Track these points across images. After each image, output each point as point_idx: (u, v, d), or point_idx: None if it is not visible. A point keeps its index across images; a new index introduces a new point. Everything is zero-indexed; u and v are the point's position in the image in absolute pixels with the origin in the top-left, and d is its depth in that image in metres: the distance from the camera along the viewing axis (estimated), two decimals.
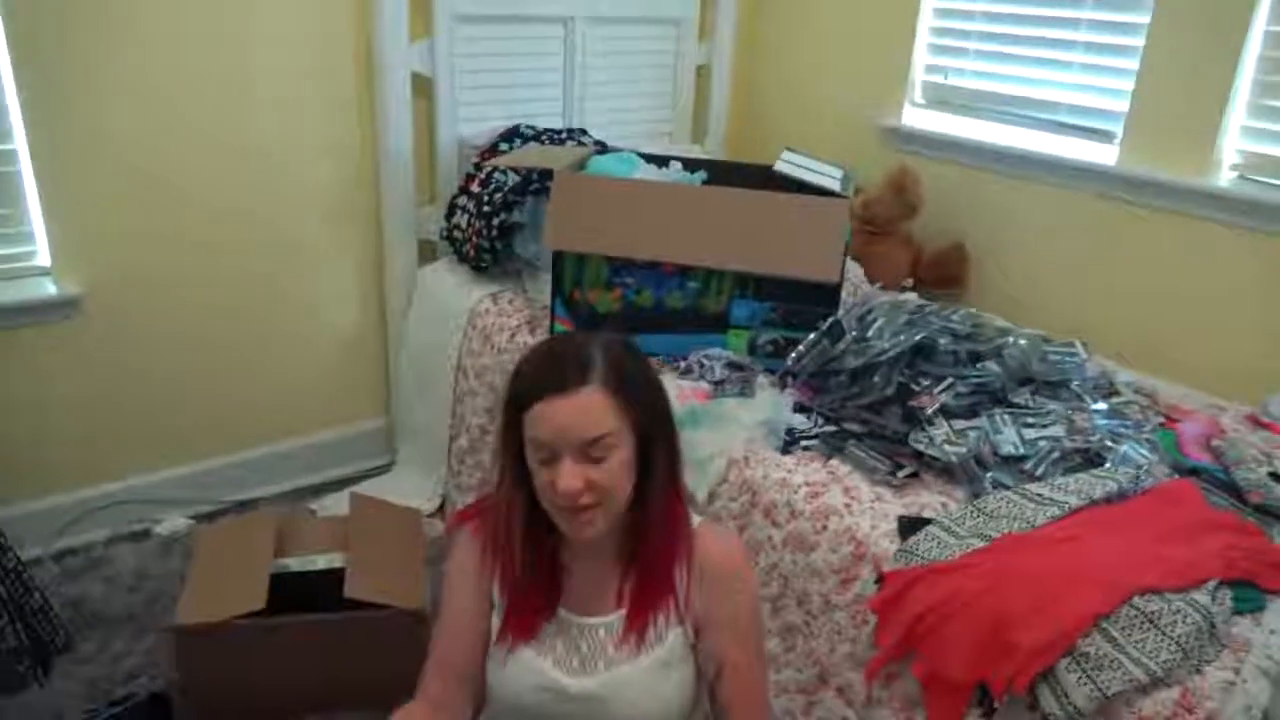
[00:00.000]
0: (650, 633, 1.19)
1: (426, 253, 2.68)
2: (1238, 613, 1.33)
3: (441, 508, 2.52)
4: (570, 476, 1.08)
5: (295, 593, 1.84)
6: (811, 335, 1.91)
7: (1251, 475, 1.61)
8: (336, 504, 2.52)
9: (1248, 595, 1.35)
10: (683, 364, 2.01)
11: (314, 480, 2.67)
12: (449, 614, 1.29)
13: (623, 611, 1.19)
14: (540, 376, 1.11)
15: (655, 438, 1.16)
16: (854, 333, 1.88)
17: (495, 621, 1.23)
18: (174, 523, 2.42)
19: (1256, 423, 1.90)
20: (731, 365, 1.98)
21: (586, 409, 1.08)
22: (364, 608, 1.79)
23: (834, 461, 1.71)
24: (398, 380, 2.70)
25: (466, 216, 2.45)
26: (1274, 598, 1.37)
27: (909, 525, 1.53)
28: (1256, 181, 2.08)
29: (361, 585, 1.81)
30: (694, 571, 1.20)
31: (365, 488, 2.50)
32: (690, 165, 2.24)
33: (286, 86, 2.36)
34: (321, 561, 1.95)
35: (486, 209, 2.38)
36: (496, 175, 2.43)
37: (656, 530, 1.18)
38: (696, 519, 1.25)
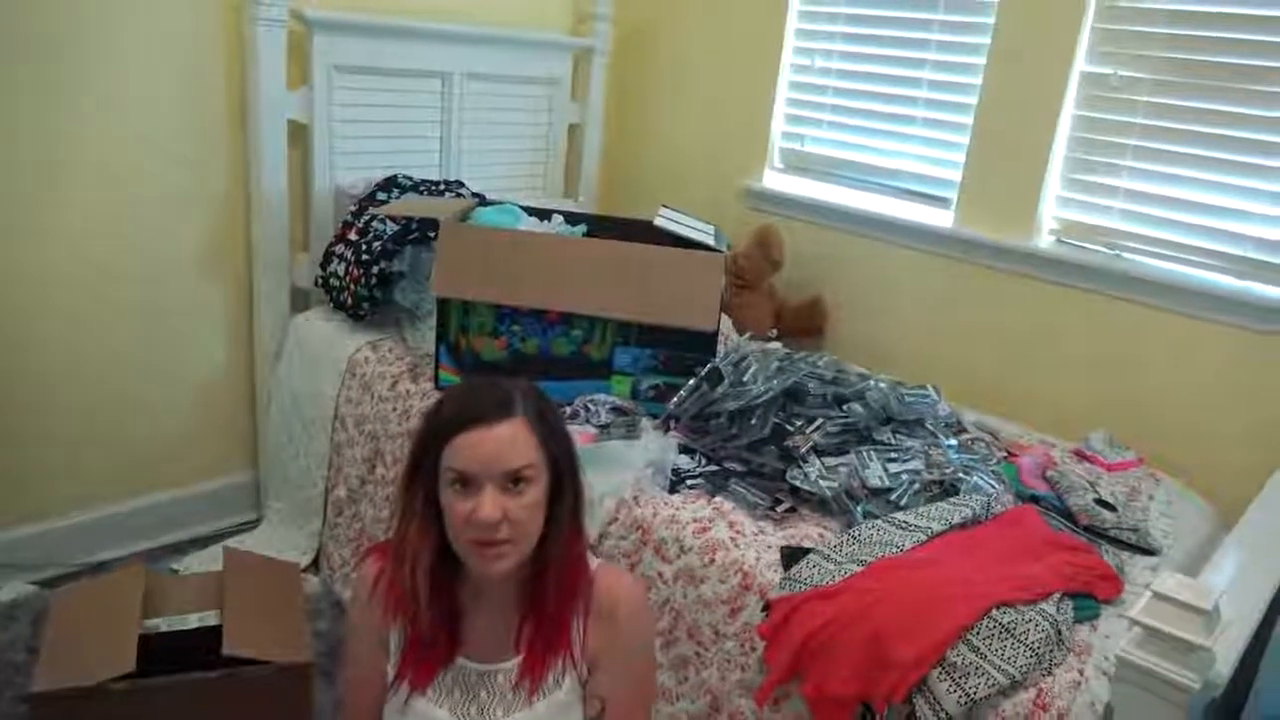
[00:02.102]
0: (548, 678, 1.22)
1: (299, 301, 2.64)
2: (1078, 621, 1.50)
3: (315, 561, 2.45)
4: (491, 506, 1.10)
5: (166, 655, 1.74)
6: (692, 381, 2.01)
7: (1080, 501, 1.81)
8: (201, 563, 2.41)
9: (1086, 605, 1.53)
10: (569, 409, 2.06)
11: (175, 538, 2.54)
12: (353, 664, 1.31)
13: (519, 658, 1.22)
14: (465, 408, 1.14)
15: (565, 480, 1.20)
16: (731, 378, 1.99)
17: (391, 670, 1.23)
18: (16, 588, 2.24)
19: (1081, 456, 2.14)
20: (616, 410, 2.05)
21: (511, 439, 1.12)
22: (245, 665, 1.72)
23: (718, 499, 1.81)
24: (268, 432, 2.62)
25: (344, 264, 2.44)
26: (1107, 606, 1.55)
27: (791, 555, 1.63)
28: (1071, 244, 2.36)
29: (241, 641, 1.74)
30: (591, 613, 1.23)
31: (234, 544, 2.40)
32: (572, 219, 2.33)
33: (155, 130, 2.30)
34: (194, 620, 1.85)
35: (365, 257, 2.38)
36: (375, 224, 2.44)
37: (556, 576, 1.20)
38: (595, 561, 1.28)
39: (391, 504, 1.32)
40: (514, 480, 1.12)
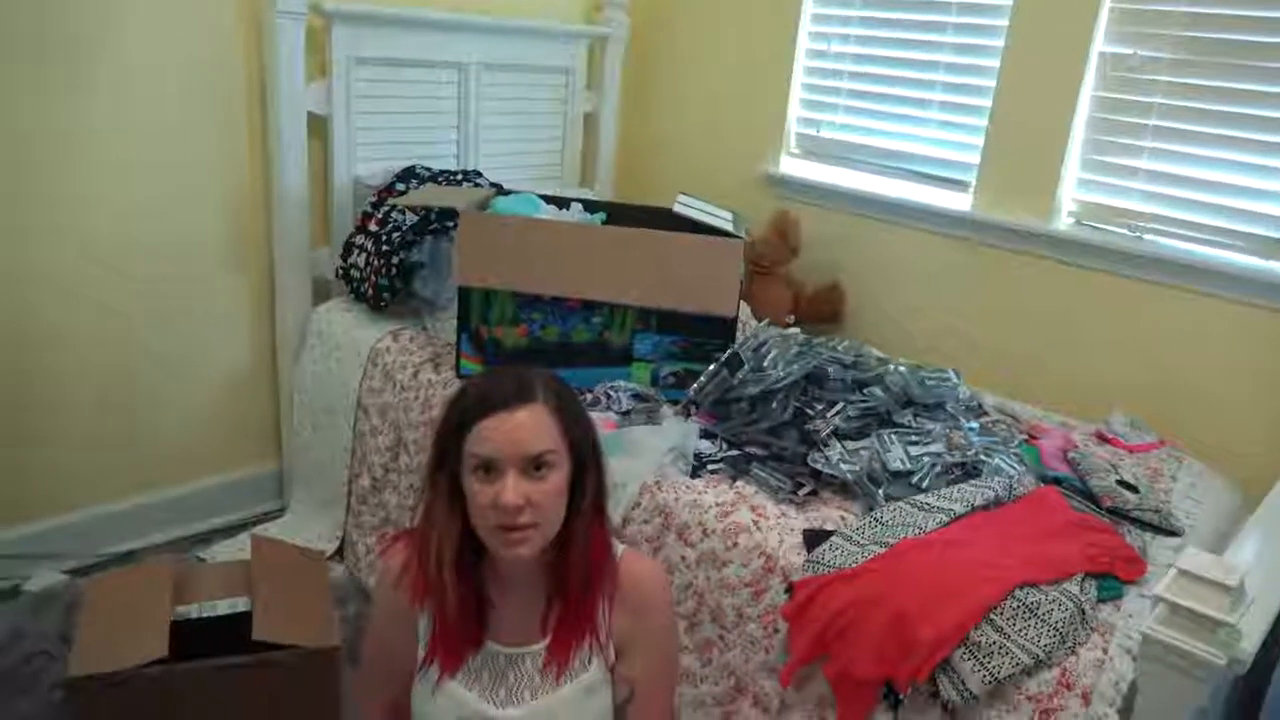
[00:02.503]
0: (575, 661, 1.23)
1: (320, 292, 2.66)
2: (1101, 600, 1.50)
3: (340, 550, 2.47)
4: (514, 491, 1.11)
5: (198, 641, 1.77)
6: (712, 366, 2.02)
7: (1103, 483, 1.81)
8: (228, 551, 2.44)
9: (1109, 585, 1.53)
10: (589, 396, 2.08)
11: (201, 528, 2.57)
12: (378, 649, 1.32)
13: (546, 641, 1.23)
14: (486, 395, 1.15)
15: (587, 466, 1.20)
16: (751, 363, 2.00)
17: (420, 653, 1.24)
18: (46, 578, 2.27)
19: (1102, 438, 2.13)
20: (637, 396, 2.06)
21: (533, 424, 1.13)
22: (274, 650, 1.75)
23: (740, 483, 1.82)
24: (291, 422, 2.64)
25: (364, 255, 2.46)
26: (1130, 586, 1.55)
27: (814, 538, 1.64)
28: (1091, 226, 2.35)
29: (271, 627, 1.77)
30: (617, 598, 1.24)
31: (261, 532, 2.43)
32: (591, 207, 2.34)
33: (175, 125, 2.32)
34: (224, 607, 1.88)
35: (385, 248, 2.40)
36: (394, 215, 2.45)
37: (581, 560, 1.20)
38: (620, 547, 1.29)
39: (415, 492, 1.31)
40: (536, 465, 1.14)
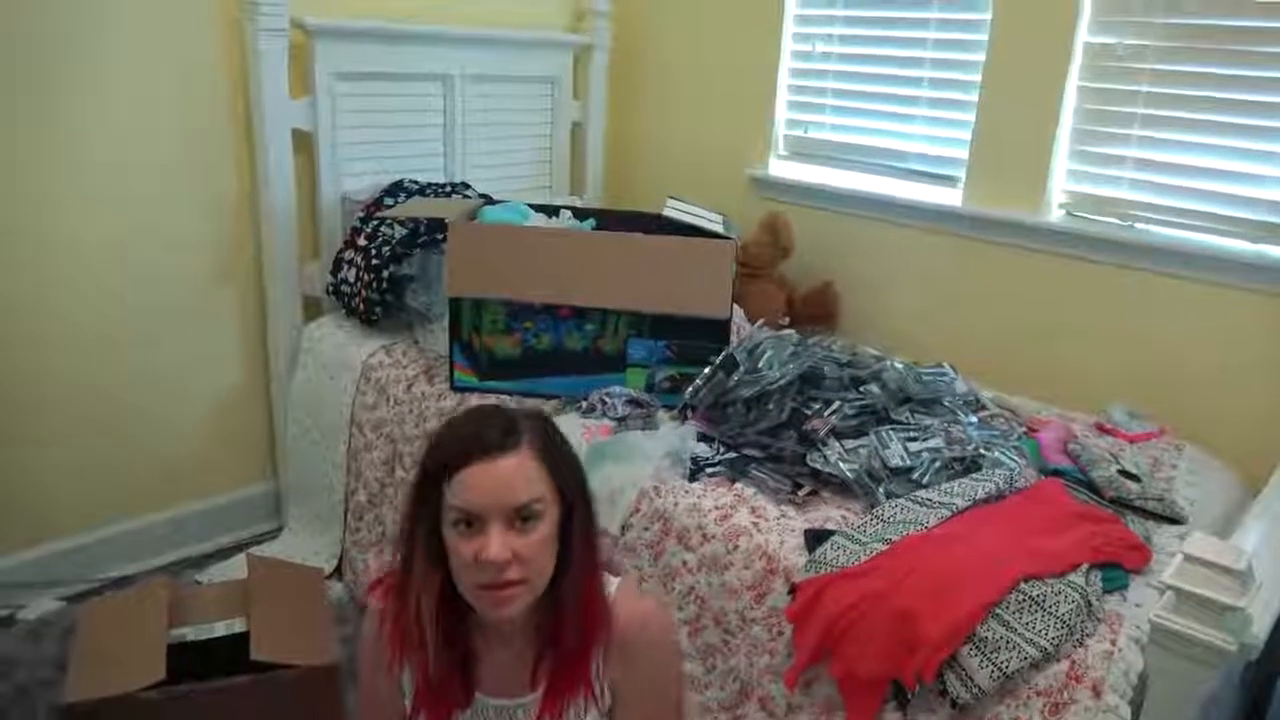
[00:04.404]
0: (569, 713, 1.15)
1: (311, 309, 2.65)
2: (1107, 591, 1.48)
3: (339, 567, 2.45)
4: (499, 546, 1.03)
5: (195, 663, 1.75)
6: (706, 369, 2.00)
7: (1104, 473, 1.80)
8: (224, 574, 2.41)
9: (1114, 575, 1.51)
10: (584, 403, 2.06)
11: (198, 550, 2.55)
12: (369, 698, 1.26)
13: (539, 693, 1.16)
14: (468, 440, 1.06)
15: (576, 513, 1.13)
16: (746, 365, 1.98)
17: (407, 706, 1.18)
18: (42, 605, 2.25)
19: (1102, 429, 2.12)
20: (632, 402, 2.05)
21: (518, 472, 1.06)
22: (272, 670, 1.73)
23: (739, 485, 1.80)
24: (285, 441, 2.62)
25: (354, 270, 2.44)
26: (1135, 576, 1.53)
27: (815, 538, 1.62)
28: (1082, 217, 2.35)
29: (268, 646, 1.75)
30: (613, 644, 1.16)
31: (258, 552, 2.41)
32: (580, 214, 2.33)
33: (158, 147, 2.31)
34: (221, 628, 1.86)
35: (375, 262, 2.39)
36: (383, 229, 2.44)
37: (573, 611, 1.12)
38: (614, 583, 1.21)
39: (392, 541, 1.17)
40: (522, 516, 1.06)
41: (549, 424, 1.14)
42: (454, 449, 1.07)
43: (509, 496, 1.05)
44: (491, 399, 2.13)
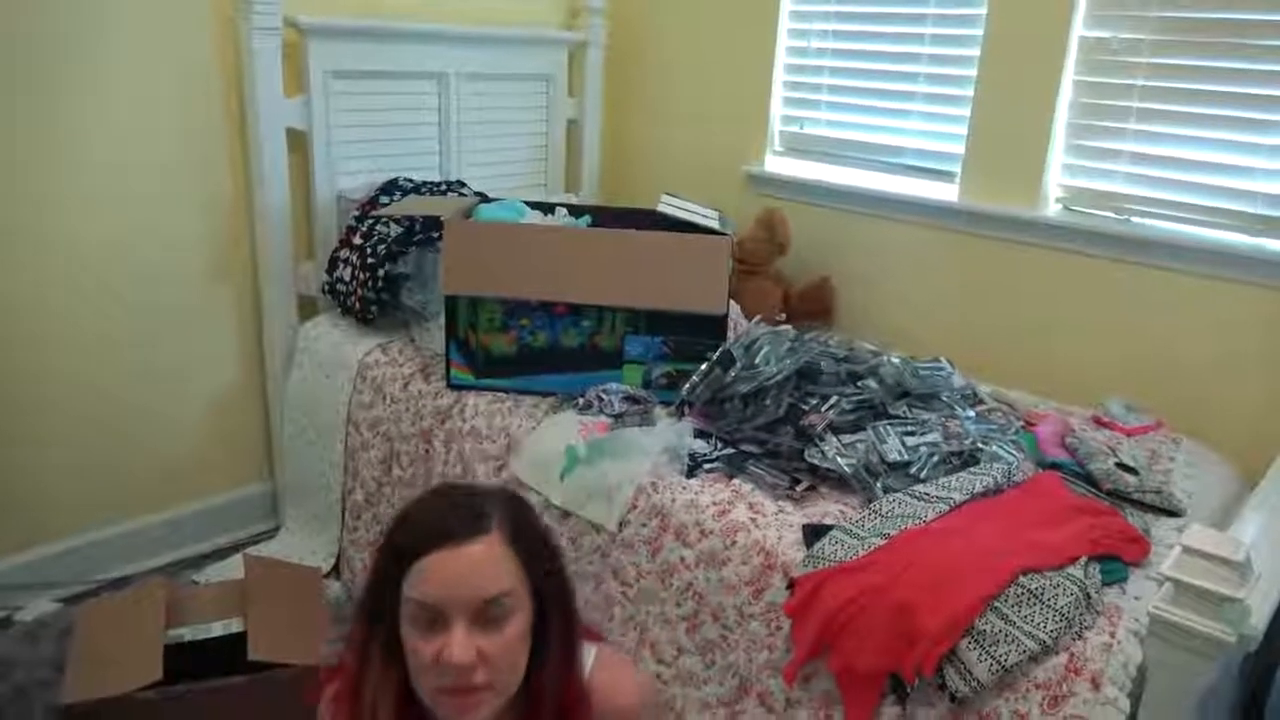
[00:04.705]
0: None
1: (306, 308, 2.64)
2: (1106, 584, 1.48)
3: (336, 567, 2.45)
4: (463, 647, 0.92)
5: (192, 664, 1.75)
6: (704, 365, 2.00)
7: (1102, 466, 1.80)
8: (221, 573, 2.41)
9: (1113, 568, 1.51)
10: (581, 400, 2.06)
11: (194, 551, 2.54)
12: None
13: None
14: (431, 524, 0.96)
15: (552, 605, 1.03)
16: (743, 361, 1.98)
17: None
18: (40, 607, 2.24)
19: (1099, 422, 2.12)
20: (629, 399, 2.05)
21: (485, 562, 0.95)
22: (269, 670, 1.73)
23: (736, 481, 1.80)
24: (282, 441, 2.62)
25: (350, 269, 2.44)
26: (1134, 569, 1.53)
27: (813, 533, 1.62)
28: (1078, 211, 2.35)
29: (265, 646, 1.75)
30: None
31: (255, 552, 2.41)
32: (575, 211, 2.32)
33: (155, 147, 2.30)
34: (218, 628, 1.86)
35: (370, 260, 2.38)
36: (379, 227, 2.43)
37: (550, 709, 1.02)
38: (589, 653, 1.11)
39: (345, 635, 1.05)
40: (490, 613, 0.95)
41: (521, 505, 1.05)
42: (413, 535, 0.96)
43: (475, 590, 0.93)
44: (490, 396, 2.13)
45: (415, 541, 0.95)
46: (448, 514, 0.97)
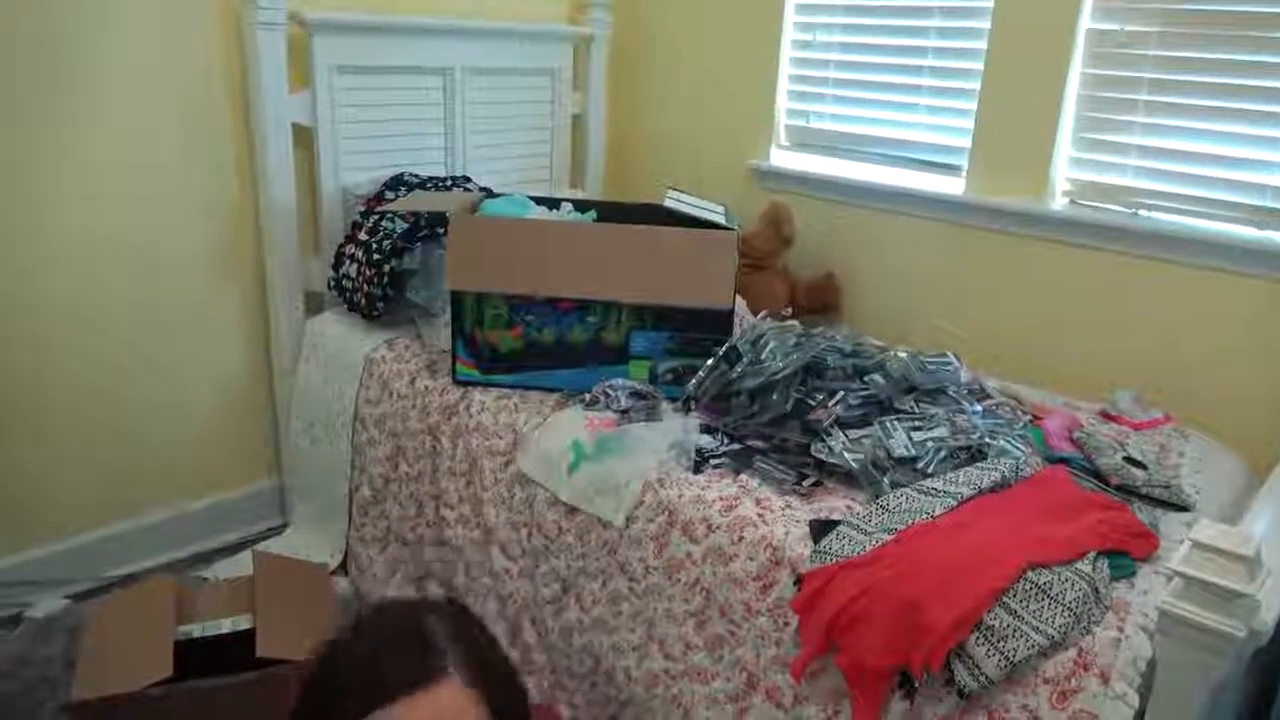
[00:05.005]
0: None
1: (313, 304, 2.64)
2: (1115, 578, 1.48)
3: (344, 563, 2.45)
4: None
5: (202, 660, 1.75)
6: (710, 360, 2.00)
7: (1110, 460, 1.79)
8: (230, 569, 2.42)
9: (1121, 563, 1.51)
10: (587, 396, 2.06)
11: (203, 547, 2.55)
12: None
13: None
14: (375, 676, 0.76)
15: None
16: (749, 356, 1.98)
17: None
18: (49, 604, 2.25)
19: (1107, 416, 2.12)
20: (635, 394, 2.04)
21: (448, 714, 0.76)
22: (278, 666, 1.73)
23: (743, 476, 1.80)
24: (289, 436, 2.62)
25: (356, 265, 2.44)
26: (1143, 564, 1.53)
27: (820, 528, 1.62)
28: (1086, 205, 2.34)
29: (274, 643, 1.75)
30: None
31: (263, 548, 2.41)
32: (581, 205, 2.32)
33: (159, 144, 2.30)
34: (227, 625, 1.87)
35: (377, 257, 2.38)
36: (385, 223, 2.43)
37: None
38: None
39: None
40: None
41: (471, 625, 0.84)
42: (358, 688, 0.75)
43: None
44: (496, 392, 2.13)
45: (359, 697, 0.74)
46: (396, 651, 0.77)
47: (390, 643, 0.79)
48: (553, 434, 1.97)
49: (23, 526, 2.28)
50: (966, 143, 2.50)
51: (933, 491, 1.64)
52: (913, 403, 1.93)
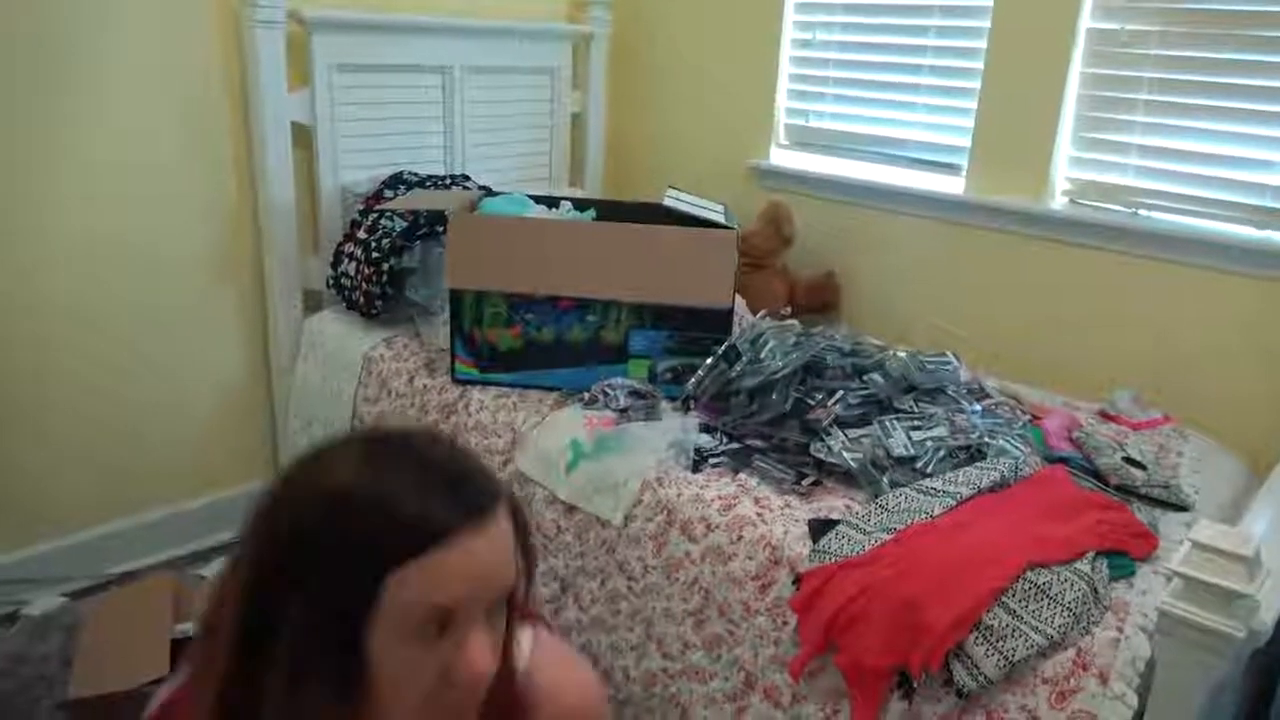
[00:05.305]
0: None
1: (311, 303, 2.64)
2: (1114, 578, 1.48)
3: None
4: (486, 652, 0.72)
5: None
6: (709, 360, 2.00)
7: (1109, 460, 1.79)
8: None
9: (1120, 563, 1.51)
10: (586, 395, 2.05)
11: (202, 545, 2.54)
12: None
13: None
14: (431, 508, 0.70)
15: (521, 586, 0.81)
16: (748, 355, 1.98)
17: None
18: (46, 602, 2.25)
19: (1106, 416, 2.11)
20: (634, 393, 2.04)
21: (505, 543, 0.75)
22: None
23: (742, 475, 1.80)
24: (288, 435, 2.62)
25: (355, 264, 2.43)
26: (1142, 564, 1.53)
27: (819, 527, 1.62)
28: (1085, 205, 2.33)
29: None
30: None
31: None
32: (580, 204, 2.32)
33: (158, 143, 2.30)
34: None
35: (375, 255, 2.38)
36: (384, 222, 2.43)
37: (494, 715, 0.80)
38: (526, 634, 0.88)
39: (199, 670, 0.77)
40: (499, 606, 0.76)
41: (481, 464, 0.80)
42: (413, 520, 0.69)
43: (500, 581, 0.74)
44: (495, 390, 2.13)
45: (416, 529, 0.69)
46: (452, 490, 0.72)
47: (457, 472, 0.74)
48: (551, 433, 1.96)
49: (22, 524, 2.28)
50: (966, 142, 2.50)
51: (932, 491, 1.64)
52: (912, 402, 1.93)
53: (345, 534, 0.69)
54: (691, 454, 1.85)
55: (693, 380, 2.00)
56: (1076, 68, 2.27)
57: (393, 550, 0.69)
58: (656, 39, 3.14)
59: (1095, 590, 1.41)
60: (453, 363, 2.17)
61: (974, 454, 1.77)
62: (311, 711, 0.70)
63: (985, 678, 1.33)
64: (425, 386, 2.22)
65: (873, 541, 1.53)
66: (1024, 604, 1.38)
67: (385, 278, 2.36)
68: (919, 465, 1.74)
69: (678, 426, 1.92)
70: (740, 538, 1.66)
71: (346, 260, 2.47)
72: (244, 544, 0.73)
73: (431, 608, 0.70)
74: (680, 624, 1.72)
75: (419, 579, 0.69)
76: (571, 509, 1.88)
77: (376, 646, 0.70)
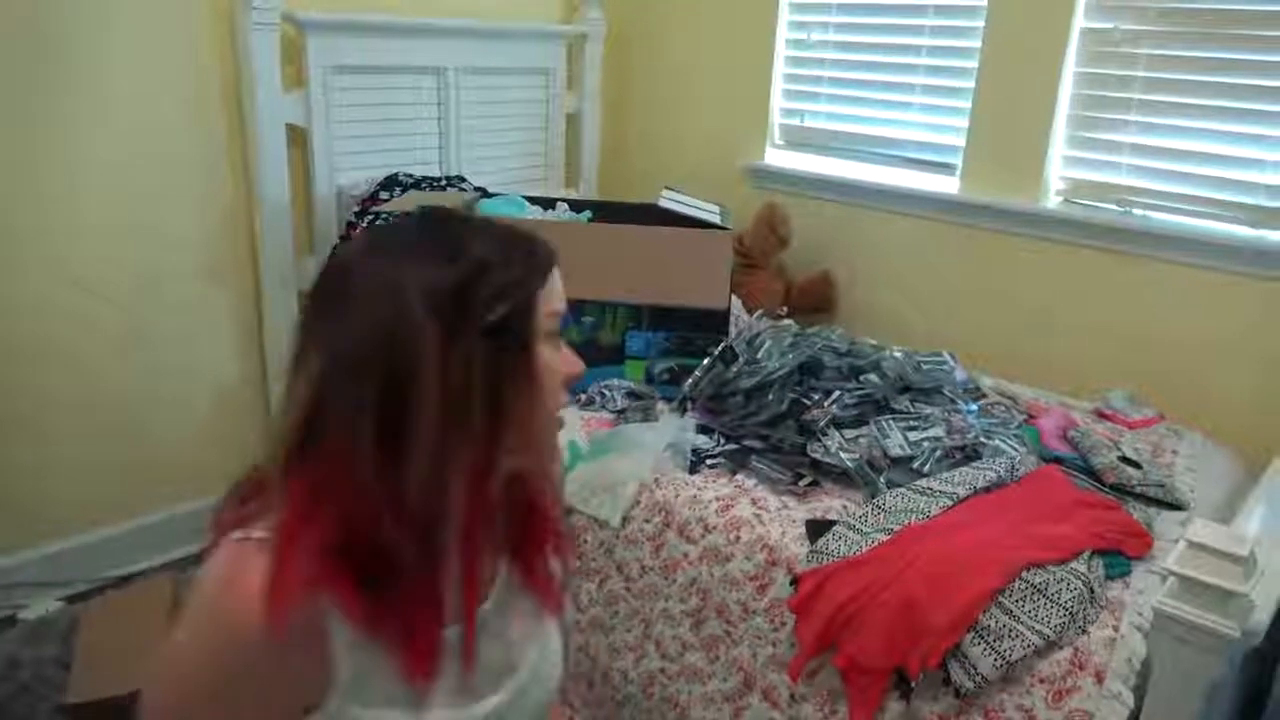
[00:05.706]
0: (547, 572, 0.98)
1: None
2: (1110, 578, 1.48)
3: None
4: (573, 355, 0.94)
5: None
6: (706, 360, 2.00)
7: (1104, 459, 1.80)
8: None
9: (1116, 562, 1.51)
10: (584, 396, 2.06)
11: (198, 548, 2.54)
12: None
13: (502, 572, 0.93)
14: (536, 243, 0.91)
15: None
16: (745, 356, 1.98)
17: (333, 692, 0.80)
18: (43, 606, 2.24)
19: (1101, 415, 2.12)
20: (631, 394, 2.05)
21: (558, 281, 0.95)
22: None
23: (739, 476, 1.80)
24: None
25: None
26: (1137, 563, 1.54)
27: (817, 528, 1.62)
28: (1079, 204, 2.34)
29: None
30: None
31: None
32: (576, 205, 2.32)
33: (154, 144, 2.29)
34: None
35: None
36: (380, 223, 2.43)
37: None
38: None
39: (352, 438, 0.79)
40: None
41: None
42: (539, 255, 0.90)
43: (564, 303, 0.95)
44: None
45: (545, 260, 0.90)
46: (527, 231, 0.92)
47: (522, 227, 0.93)
48: None
49: (19, 528, 2.27)
50: (961, 141, 2.50)
51: (928, 491, 1.64)
52: (908, 402, 1.94)
53: (505, 278, 0.86)
54: (689, 455, 1.85)
55: (689, 381, 2.01)
56: (1070, 67, 2.28)
57: (536, 278, 0.89)
58: (651, 40, 3.14)
59: (1091, 589, 1.42)
60: None
61: (970, 454, 1.78)
62: (489, 445, 0.84)
63: (982, 677, 1.34)
64: None
65: (870, 542, 1.54)
66: (1021, 604, 1.39)
67: None
68: (915, 465, 1.74)
69: (675, 427, 1.92)
70: (738, 538, 1.66)
71: None
72: (367, 328, 0.81)
73: (553, 314, 0.91)
74: (678, 625, 1.72)
75: (546, 295, 0.90)
76: (569, 510, 1.88)
77: (537, 357, 0.88)
